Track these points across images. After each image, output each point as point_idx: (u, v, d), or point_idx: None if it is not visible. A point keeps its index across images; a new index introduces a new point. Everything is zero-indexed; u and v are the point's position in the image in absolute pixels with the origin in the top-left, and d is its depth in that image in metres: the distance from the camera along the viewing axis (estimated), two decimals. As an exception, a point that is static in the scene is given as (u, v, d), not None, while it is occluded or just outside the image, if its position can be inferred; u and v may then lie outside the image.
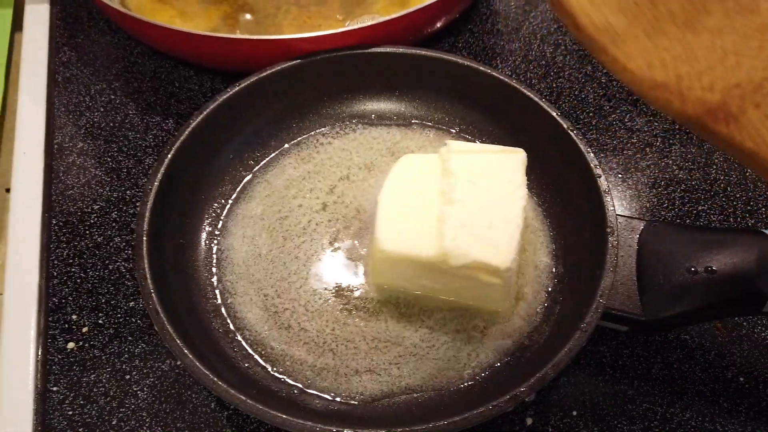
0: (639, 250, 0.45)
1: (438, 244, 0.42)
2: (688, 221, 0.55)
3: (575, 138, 0.49)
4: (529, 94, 0.52)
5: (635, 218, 0.47)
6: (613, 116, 0.62)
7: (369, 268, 0.49)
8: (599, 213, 0.46)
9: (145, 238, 0.45)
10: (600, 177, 0.47)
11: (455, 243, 0.42)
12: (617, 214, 0.45)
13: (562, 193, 0.51)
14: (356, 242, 0.51)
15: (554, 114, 0.51)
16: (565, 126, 0.50)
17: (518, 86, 0.53)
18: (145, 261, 0.44)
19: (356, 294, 0.48)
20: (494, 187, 0.44)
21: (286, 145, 0.57)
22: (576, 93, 0.64)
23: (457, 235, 0.42)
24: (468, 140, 0.57)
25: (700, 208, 0.55)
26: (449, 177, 0.45)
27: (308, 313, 0.47)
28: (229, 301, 0.48)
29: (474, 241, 0.42)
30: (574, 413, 0.45)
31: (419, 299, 0.47)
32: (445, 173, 0.45)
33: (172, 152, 0.49)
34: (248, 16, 0.66)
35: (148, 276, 0.43)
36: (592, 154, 0.48)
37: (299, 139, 0.57)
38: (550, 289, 0.48)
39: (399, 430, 0.37)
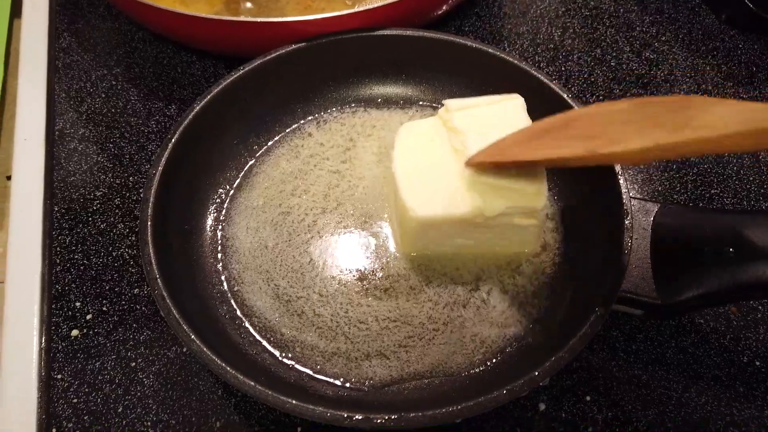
0: (654, 233, 0.44)
1: (470, 199, 0.42)
2: (701, 204, 0.54)
3: (587, 119, 0.48)
4: (539, 76, 0.51)
5: (649, 201, 0.46)
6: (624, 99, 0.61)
7: (399, 239, 0.48)
8: (613, 195, 0.45)
9: (149, 223, 0.44)
10: (613, 159, 0.46)
11: (485, 195, 0.42)
12: (631, 197, 0.44)
13: (574, 176, 0.50)
14: (367, 223, 0.50)
15: (566, 96, 0.50)
16: (575, 107, 0.49)
17: (528, 69, 0.52)
18: (150, 247, 0.43)
19: (371, 273, 0.47)
20: (504, 134, 0.43)
21: (291, 129, 0.56)
22: (585, 76, 0.63)
23: (485, 187, 0.42)
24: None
25: (713, 191, 0.55)
26: (458, 134, 0.44)
27: (322, 299, 0.46)
28: (235, 289, 0.47)
29: (503, 187, 0.42)
30: (588, 398, 0.44)
31: (440, 266, 0.47)
32: (453, 131, 0.45)
33: (175, 137, 0.48)
34: (249, 5, 0.64)
35: (153, 262, 0.42)
36: (604, 136, 0.47)
37: (304, 123, 0.56)
38: (562, 273, 0.47)
39: (411, 414, 0.37)
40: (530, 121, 0.45)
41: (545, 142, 0.38)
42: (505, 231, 0.45)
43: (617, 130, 0.35)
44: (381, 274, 0.47)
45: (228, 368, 0.38)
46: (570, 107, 0.49)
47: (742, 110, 0.31)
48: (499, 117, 0.45)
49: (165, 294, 0.41)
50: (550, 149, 0.38)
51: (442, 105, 0.47)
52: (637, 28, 0.67)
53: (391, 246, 0.49)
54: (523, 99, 0.46)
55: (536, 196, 0.42)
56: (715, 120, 0.32)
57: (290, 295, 0.47)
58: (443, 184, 0.43)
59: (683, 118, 0.33)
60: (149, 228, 0.44)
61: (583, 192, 0.49)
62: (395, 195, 0.45)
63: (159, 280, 0.42)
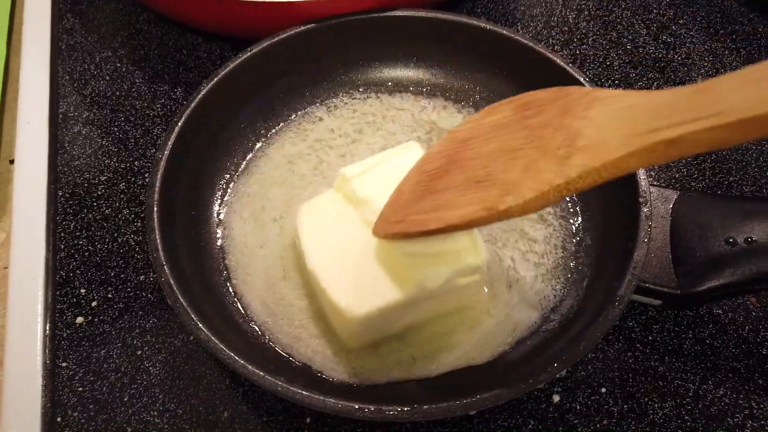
0: (673, 222, 0.43)
1: (406, 278, 0.38)
2: (719, 192, 0.52)
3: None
4: (555, 59, 0.50)
5: (668, 188, 0.45)
6: (639, 84, 0.59)
7: (341, 338, 0.42)
8: (631, 183, 0.43)
9: (156, 209, 0.43)
10: (631, 145, 0.45)
11: (419, 267, 0.38)
12: (650, 184, 0.43)
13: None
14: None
15: (582, 80, 0.48)
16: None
17: (544, 51, 0.50)
18: (157, 233, 0.42)
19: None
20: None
21: (298, 114, 0.55)
22: (600, 60, 0.61)
23: (416, 259, 0.38)
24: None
25: (731, 178, 0.53)
26: (365, 205, 0.41)
27: (309, 333, 0.44)
28: (233, 282, 0.46)
29: (434, 253, 0.38)
30: (603, 390, 0.43)
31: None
32: (358, 203, 0.41)
33: (182, 121, 0.47)
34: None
35: (160, 248, 0.41)
36: (622, 121, 0.46)
37: (312, 108, 0.55)
38: (577, 262, 0.46)
39: (424, 406, 0.36)
40: None
41: (443, 198, 0.34)
42: (450, 293, 0.40)
43: (505, 166, 0.31)
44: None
45: (237, 358, 0.37)
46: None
47: (634, 112, 0.28)
48: (401, 172, 0.39)
49: (172, 281, 0.40)
50: (447, 210, 0.33)
51: (457, 93, 0.44)
52: (654, 11, 0.65)
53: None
54: (416, 143, 0.43)
55: (473, 251, 0.39)
56: (603, 134, 0.28)
57: (273, 309, 0.45)
58: (369, 267, 0.39)
59: (568, 133, 0.29)
60: (155, 214, 0.43)
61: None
62: (318, 289, 0.41)
63: (166, 266, 0.41)
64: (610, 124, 0.28)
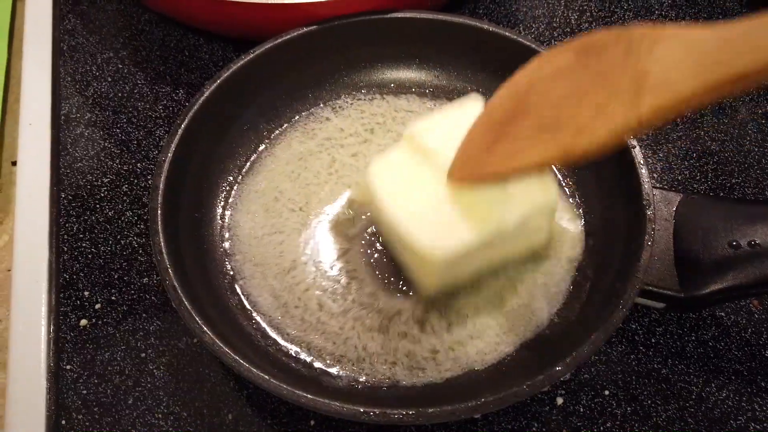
0: (676, 224, 0.43)
1: (483, 219, 0.39)
2: (721, 194, 0.53)
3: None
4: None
5: (671, 191, 0.45)
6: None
7: (419, 283, 0.44)
8: (634, 185, 0.43)
9: (159, 211, 0.43)
10: (634, 148, 0.45)
11: (495, 209, 0.39)
12: (653, 186, 0.43)
13: (594, 164, 0.49)
14: (373, 232, 0.48)
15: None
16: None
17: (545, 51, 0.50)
18: (161, 236, 0.42)
19: (382, 307, 0.44)
20: None
21: (301, 116, 0.55)
22: (602, 61, 0.61)
23: (492, 200, 0.39)
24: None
25: (734, 180, 0.53)
26: (435, 155, 0.41)
27: (325, 313, 0.44)
28: (240, 282, 0.46)
29: (508, 194, 0.40)
30: (606, 392, 0.44)
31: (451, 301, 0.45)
32: (428, 154, 0.42)
33: (185, 122, 0.47)
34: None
35: (164, 251, 0.41)
36: (625, 124, 0.46)
37: (315, 109, 0.55)
38: (580, 264, 0.46)
39: (429, 410, 0.36)
40: None
41: (513, 145, 0.34)
42: (521, 234, 0.42)
43: (573, 110, 0.32)
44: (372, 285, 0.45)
45: (242, 361, 0.37)
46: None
47: (699, 48, 0.28)
48: (466, 122, 0.40)
49: (176, 284, 0.40)
50: (519, 154, 0.34)
51: (460, 94, 0.45)
52: (656, 12, 0.65)
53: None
54: (479, 96, 0.44)
55: (545, 191, 0.40)
56: (671, 71, 0.28)
57: (285, 298, 0.45)
58: (446, 212, 0.40)
59: (635, 74, 0.30)
60: (159, 216, 0.43)
61: (603, 182, 0.48)
62: (396, 237, 0.42)
63: (170, 269, 0.41)
64: (677, 61, 0.28)
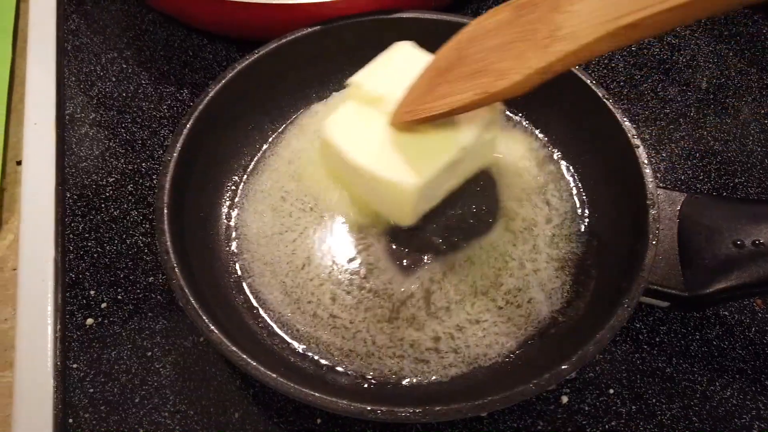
0: (680, 224, 0.43)
1: (445, 142, 0.43)
2: (725, 194, 0.53)
3: (611, 107, 0.47)
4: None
5: (675, 191, 0.45)
6: (644, 86, 0.60)
7: (398, 217, 0.47)
8: (638, 185, 0.44)
9: (165, 211, 0.43)
10: (638, 147, 0.45)
11: (451, 132, 0.44)
12: (657, 186, 0.43)
13: (598, 164, 0.49)
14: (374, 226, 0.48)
15: (588, 82, 0.48)
16: (600, 94, 0.48)
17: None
18: (167, 235, 0.42)
19: (369, 272, 0.46)
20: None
21: (305, 116, 0.55)
22: (605, 62, 0.61)
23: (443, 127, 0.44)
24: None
25: (737, 180, 0.53)
26: (383, 101, 0.45)
27: (337, 306, 0.45)
28: (248, 280, 0.46)
29: (459, 122, 0.44)
30: (611, 391, 0.44)
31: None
32: (377, 101, 0.46)
33: (190, 122, 0.47)
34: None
35: (170, 250, 0.41)
36: (629, 124, 0.46)
37: (319, 109, 0.55)
38: (585, 264, 0.46)
39: (436, 408, 0.36)
40: (428, 56, 0.46)
41: (449, 87, 0.40)
42: (477, 150, 0.46)
43: (499, 57, 0.37)
44: (383, 278, 0.46)
45: (249, 359, 0.37)
46: (593, 93, 0.48)
47: (597, 8, 0.32)
48: (404, 65, 0.46)
49: (183, 283, 0.40)
50: (448, 97, 0.40)
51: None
52: (659, 12, 0.65)
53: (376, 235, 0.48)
54: (408, 43, 0.48)
55: (488, 109, 0.44)
56: (580, 22, 0.33)
57: (299, 295, 0.45)
58: (408, 147, 0.44)
59: (550, 24, 0.35)
60: (165, 216, 0.43)
61: (608, 182, 0.48)
62: (368, 181, 0.44)
63: (176, 269, 0.41)
64: (587, 15, 0.33)
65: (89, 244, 0.50)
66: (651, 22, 0.30)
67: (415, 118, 0.42)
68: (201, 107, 0.48)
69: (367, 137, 0.45)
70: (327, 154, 0.48)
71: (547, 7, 0.36)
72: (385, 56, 0.48)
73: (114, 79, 0.60)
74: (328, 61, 0.55)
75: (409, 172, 0.43)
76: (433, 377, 0.42)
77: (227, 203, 0.50)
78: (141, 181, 0.54)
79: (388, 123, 0.45)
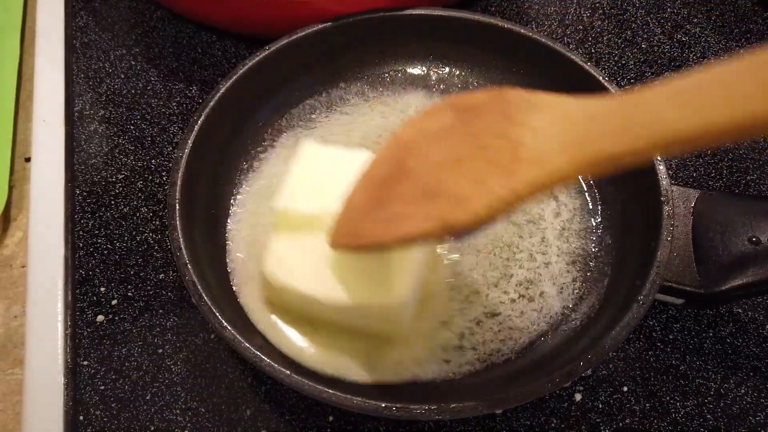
0: (694, 221, 0.43)
1: (329, 283, 0.39)
2: (737, 191, 0.52)
3: (624, 103, 0.47)
4: (573, 57, 0.50)
5: (689, 187, 0.45)
6: (656, 81, 0.59)
7: (390, 331, 0.42)
8: (652, 181, 0.43)
9: (177, 207, 0.43)
10: (652, 144, 0.45)
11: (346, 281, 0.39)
12: (670, 183, 0.43)
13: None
14: None
15: (601, 78, 0.48)
16: (612, 91, 0.48)
17: (561, 49, 0.51)
18: (179, 231, 0.42)
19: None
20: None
21: (315, 113, 0.54)
22: (616, 59, 0.61)
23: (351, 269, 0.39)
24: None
25: (749, 177, 0.53)
26: (316, 219, 0.40)
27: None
28: (254, 280, 0.46)
29: (364, 274, 0.39)
30: (625, 389, 0.43)
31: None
32: (308, 223, 0.40)
33: (201, 119, 0.47)
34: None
35: (182, 247, 0.41)
36: (642, 120, 0.46)
37: (327, 105, 0.55)
38: (597, 261, 0.46)
39: (451, 405, 0.36)
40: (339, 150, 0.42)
41: (392, 210, 0.32)
42: (363, 318, 0.40)
43: (453, 177, 0.31)
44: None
45: (263, 357, 0.37)
46: (606, 89, 0.48)
47: (572, 121, 0.28)
48: (321, 170, 0.41)
49: (195, 280, 0.40)
50: (399, 223, 0.32)
51: (474, 91, 0.43)
52: (669, 9, 0.65)
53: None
54: (307, 142, 0.44)
55: (394, 288, 0.38)
56: (544, 144, 0.28)
57: None
58: (369, 263, 0.39)
59: (511, 143, 0.29)
60: (177, 212, 0.43)
61: (620, 178, 0.48)
62: (346, 313, 0.40)
63: (189, 265, 0.40)
64: (550, 134, 0.29)
65: (99, 240, 0.50)
66: (639, 152, 0.26)
67: (361, 244, 0.34)
68: (212, 104, 0.48)
69: (317, 266, 0.39)
70: (280, 295, 0.42)
71: (497, 115, 0.31)
72: (296, 167, 0.43)
73: (123, 76, 0.60)
74: (338, 57, 0.55)
75: (387, 288, 0.38)
76: (450, 374, 0.42)
77: (237, 201, 0.50)
78: (150, 177, 0.54)
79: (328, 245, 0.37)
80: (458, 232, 0.30)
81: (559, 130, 0.29)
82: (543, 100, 0.30)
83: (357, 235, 0.34)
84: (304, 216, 0.40)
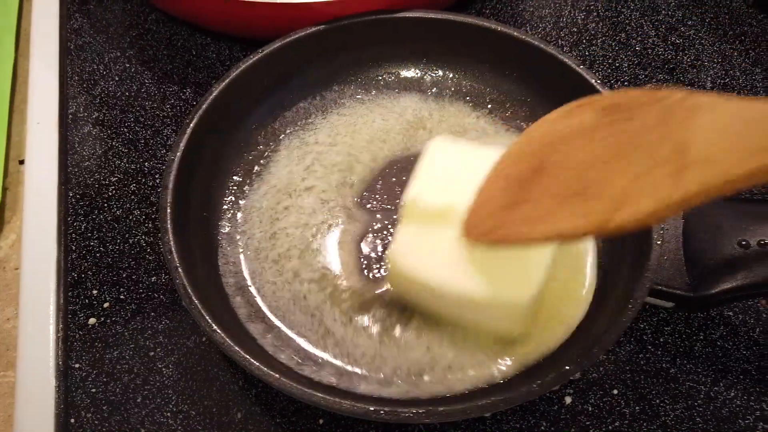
0: (685, 225, 0.43)
1: (450, 273, 0.38)
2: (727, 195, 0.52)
3: (616, 106, 0.47)
4: (566, 60, 0.50)
5: (680, 190, 0.45)
6: (649, 85, 0.59)
7: (508, 328, 0.41)
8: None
9: (169, 210, 0.43)
10: (643, 147, 0.45)
11: (471, 274, 0.38)
12: (662, 186, 0.43)
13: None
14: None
15: (593, 82, 0.48)
16: (599, 87, 0.48)
17: (554, 52, 0.51)
18: (171, 235, 0.42)
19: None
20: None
21: (309, 116, 0.55)
22: (610, 61, 0.61)
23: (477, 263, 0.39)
24: (500, 110, 0.54)
25: (741, 180, 0.53)
26: (446, 214, 0.39)
27: (341, 312, 0.44)
28: (250, 282, 0.46)
29: (492, 268, 0.38)
30: (615, 392, 0.44)
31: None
32: (438, 215, 0.40)
33: (194, 121, 0.47)
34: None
35: (174, 250, 0.41)
36: (634, 123, 0.46)
37: (322, 108, 0.55)
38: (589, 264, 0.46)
39: (440, 408, 0.36)
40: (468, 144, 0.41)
41: (537, 207, 0.32)
42: (484, 313, 0.40)
43: (606, 176, 0.30)
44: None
45: (252, 360, 0.37)
46: (598, 92, 0.48)
47: (733, 128, 0.26)
48: (452, 166, 0.41)
49: (186, 282, 0.40)
50: (548, 222, 0.31)
51: (467, 94, 0.43)
52: (663, 12, 0.65)
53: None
54: (442, 139, 0.43)
55: (526, 281, 0.37)
56: (716, 147, 0.26)
57: (301, 297, 0.45)
58: (495, 258, 0.38)
59: (676, 144, 0.28)
60: (169, 215, 0.43)
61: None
62: (463, 305, 0.40)
63: (180, 268, 0.41)
64: (721, 137, 0.27)
65: (92, 243, 0.50)
66: None
67: (503, 239, 0.34)
68: (205, 106, 0.48)
69: (444, 257, 0.39)
70: (400, 282, 0.42)
71: (654, 116, 0.29)
72: (426, 161, 0.42)
73: (117, 79, 0.60)
74: (332, 60, 0.55)
75: (515, 286, 0.37)
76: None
77: (230, 203, 0.50)
78: (144, 180, 0.54)
79: (457, 236, 0.38)
80: (618, 231, 0.29)
81: (729, 132, 0.27)
82: (707, 101, 0.29)
83: (497, 229, 0.34)
84: (434, 207, 0.40)
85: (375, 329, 0.43)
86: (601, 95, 0.33)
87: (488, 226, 0.35)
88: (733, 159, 0.26)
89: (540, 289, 0.38)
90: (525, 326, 0.41)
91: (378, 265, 0.46)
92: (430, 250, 0.39)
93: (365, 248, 0.47)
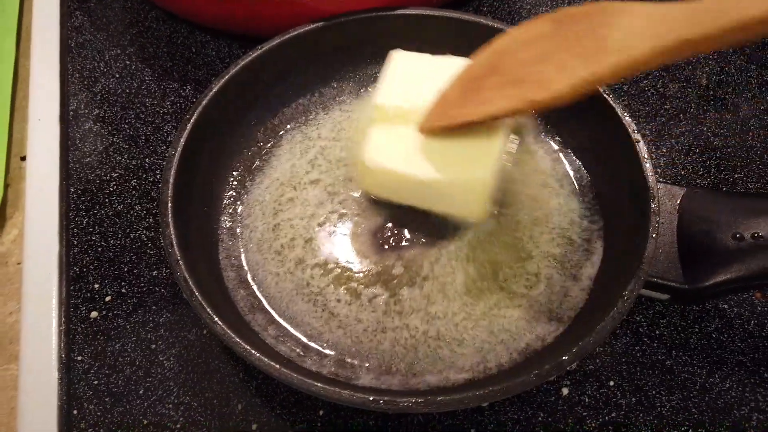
0: (680, 218, 0.44)
1: (416, 161, 0.43)
2: (724, 189, 0.53)
3: (612, 102, 0.47)
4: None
5: (675, 185, 0.45)
6: (644, 82, 0.60)
7: (472, 211, 0.45)
8: (639, 179, 0.44)
9: (170, 204, 0.43)
10: (639, 143, 0.45)
11: (433, 159, 0.43)
12: (657, 181, 0.44)
13: (598, 159, 0.49)
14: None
15: (590, 77, 0.49)
16: (600, 90, 0.48)
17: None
18: (171, 229, 0.42)
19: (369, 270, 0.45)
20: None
21: (308, 112, 0.55)
22: (606, 58, 0.62)
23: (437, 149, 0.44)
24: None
25: (736, 175, 0.54)
26: (410, 114, 0.45)
27: (343, 303, 0.45)
28: (251, 274, 0.46)
29: (451, 153, 0.44)
30: (611, 383, 0.44)
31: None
32: (404, 116, 0.45)
33: (194, 117, 0.48)
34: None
35: (174, 244, 0.42)
36: (629, 119, 0.46)
37: (322, 105, 0.55)
38: (585, 257, 0.47)
39: (438, 398, 0.36)
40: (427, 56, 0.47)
41: (482, 96, 0.40)
42: (448, 195, 0.44)
43: (541, 68, 0.37)
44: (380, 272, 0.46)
45: (253, 351, 0.37)
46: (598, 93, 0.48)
47: (654, 19, 0.32)
48: (414, 73, 0.46)
49: (187, 276, 0.40)
50: (487, 104, 0.39)
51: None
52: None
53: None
54: (400, 51, 0.48)
55: (480, 164, 0.42)
56: (629, 37, 0.33)
57: (304, 288, 0.45)
58: (454, 148, 0.43)
59: (597, 37, 0.34)
60: (170, 209, 0.43)
61: (608, 176, 0.48)
62: (431, 190, 0.44)
63: (180, 261, 0.41)
64: (637, 28, 0.33)
65: (93, 238, 0.51)
66: (704, 39, 0.31)
67: (452, 123, 0.41)
68: (204, 103, 0.48)
69: (412, 151, 0.44)
70: (375, 180, 0.47)
71: (591, 21, 0.35)
72: (390, 70, 0.48)
73: (117, 76, 0.61)
74: (331, 57, 0.55)
75: (473, 168, 0.42)
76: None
77: (231, 197, 0.50)
78: (144, 176, 0.54)
79: (417, 131, 0.44)
80: (542, 106, 0.36)
81: (642, 25, 0.33)
82: (625, 6, 0.35)
83: (449, 116, 0.42)
84: (400, 110, 0.45)
85: (382, 299, 0.44)
86: (562, 9, 0.38)
87: (443, 114, 0.42)
88: (640, 43, 0.32)
89: (492, 172, 0.43)
90: (484, 208, 0.45)
91: (391, 241, 0.47)
92: (399, 147, 0.44)
93: (376, 232, 0.47)
